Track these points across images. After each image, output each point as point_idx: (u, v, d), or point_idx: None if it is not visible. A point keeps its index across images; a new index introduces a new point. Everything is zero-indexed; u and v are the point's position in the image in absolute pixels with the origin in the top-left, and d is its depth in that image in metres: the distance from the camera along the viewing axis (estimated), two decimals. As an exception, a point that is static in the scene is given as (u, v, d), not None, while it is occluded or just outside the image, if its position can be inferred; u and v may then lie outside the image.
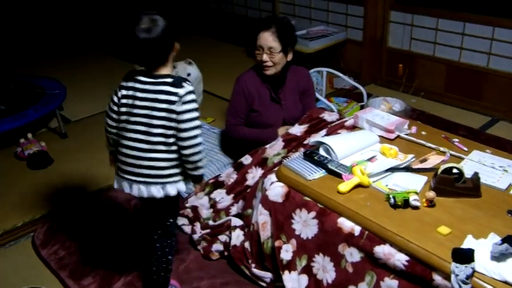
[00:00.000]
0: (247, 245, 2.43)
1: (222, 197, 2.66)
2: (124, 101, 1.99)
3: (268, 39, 2.70)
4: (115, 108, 2.03)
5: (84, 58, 5.92)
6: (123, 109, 2.00)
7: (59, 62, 5.77)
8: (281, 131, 2.84)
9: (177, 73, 3.52)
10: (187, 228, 2.71)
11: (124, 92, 1.99)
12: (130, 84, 1.99)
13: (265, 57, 2.72)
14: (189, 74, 3.55)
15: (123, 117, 2.01)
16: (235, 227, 2.50)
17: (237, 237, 2.47)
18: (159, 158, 1.99)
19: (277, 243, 2.21)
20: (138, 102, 1.97)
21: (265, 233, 2.29)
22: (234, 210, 2.61)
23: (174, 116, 1.93)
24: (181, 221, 2.74)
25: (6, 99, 3.95)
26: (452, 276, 1.62)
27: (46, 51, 6.22)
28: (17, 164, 3.64)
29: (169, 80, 1.94)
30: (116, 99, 2.02)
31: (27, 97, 3.96)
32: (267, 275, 2.36)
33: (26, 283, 2.50)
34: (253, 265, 2.40)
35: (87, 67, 5.59)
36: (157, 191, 2.02)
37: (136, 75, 1.99)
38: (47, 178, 3.45)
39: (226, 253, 2.52)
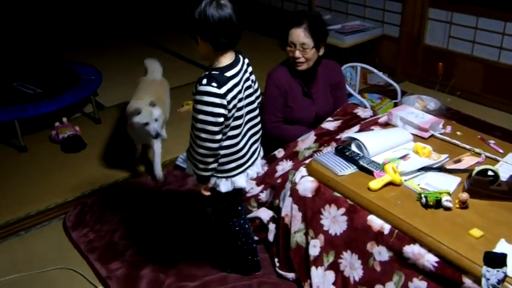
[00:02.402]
0: (272, 238, 2.45)
1: (251, 187, 2.67)
2: (233, 103, 1.90)
3: (300, 35, 2.67)
4: (223, 119, 1.88)
5: (120, 45, 5.99)
6: (237, 112, 1.94)
7: (95, 48, 5.85)
8: None
9: (141, 120, 2.96)
10: None
11: (229, 96, 1.86)
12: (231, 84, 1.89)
13: (297, 53, 2.70)
14: (156, 120, 3.01)
15: (238, 114, 1.95)
16: (268, 222, 2.52)
17: (271, 232, 2.50)
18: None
19: (305, 239, 2.20)
20: (242, 93, 1.97)
21: (293, 227, 2.28)
22: (262, 196, 2.62)
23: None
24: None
25: (43, 83, 4.03)
26: (483, 280, 1.60)
27: (83, 37, 6.31)
28: (51, 146, 3.72)
29: (239, 56, 2.00)
30: (222, 110, 1.85)
31: (63, 82, 4.04)
32: (289, 275, 2.36)
33: (56, 264, 2.56)
34: (277, 264, 2.41)
35: (122, 54, 5.66)
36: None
37: (224, 75, 1.87)
38: (80, 162, 3.52)
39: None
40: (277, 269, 2.41)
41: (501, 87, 4.08)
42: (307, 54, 2.70)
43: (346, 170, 2.15)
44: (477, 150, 2.27)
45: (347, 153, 2.21)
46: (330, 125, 2.72)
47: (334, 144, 2.49)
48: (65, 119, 3.86)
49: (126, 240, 2.69)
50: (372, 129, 2.51)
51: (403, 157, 2.20)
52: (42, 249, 2.69)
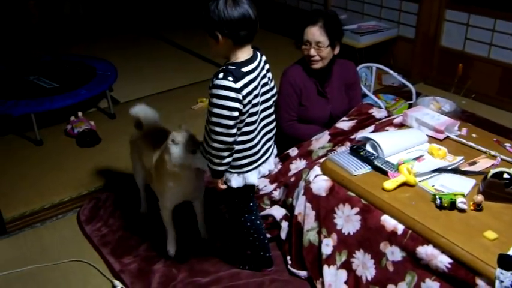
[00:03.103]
0: (284, 236, 2.45)
1: (265, 185, 2.68)
2: (248, 98, 1.91)
3: (315, 33, 2.67)
4: (238, 113, 1.89)
5: (134, 41, 6.03)
6: (253, 109, 1.96)
7: (110, 44, 5.90)
8: None
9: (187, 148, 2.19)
10: None
11: (245, 91, 1.89)
12: (247, 79, 1.90)
13: (312, 51, 2.70)
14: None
15: (253, 110, 1.96)
16: (281, 220, 2.52)
17: (283, 230, 2.50)
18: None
19: (318, 237, 2.21)
20: (258, 90, 1.98)
21: (306, 225, 2.29)
22: (276, 194, 2.62)
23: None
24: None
25: (59, 78, 4.07)
26: (497, 283, 1.59)
27: (98, 32, 6.35)
28: (66, 140, 3.75)
29: (257, 52, 2.02)
30: (238, 105, 1.86)
31: (79, 76, 4.07)
32: (301, 273, 2.37)
33: (70, 256, 2.59)
34: (290, 262, 2.42)
35: (136, 50, 5.70)
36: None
37: (240, 70, 1.89)
38: (94, 156, 3.55)
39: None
40: (289, 266, 2.41)
41: (517, 90, 4.05)
42: (322, 53, 2.70)
43: (361, 169, 2.15)
44: (493, 152, 2.25)
45: (362, 153, 2.21)
46: (344, 124, 2.72)
47: (348, 144, 2.49)
48: (80, 114, 3.89)
49: (138, 235, 2.71)
50: (387, 130, 2.50)
51: (418, 158, 2.19)
52: (57, 242, 2.72)
